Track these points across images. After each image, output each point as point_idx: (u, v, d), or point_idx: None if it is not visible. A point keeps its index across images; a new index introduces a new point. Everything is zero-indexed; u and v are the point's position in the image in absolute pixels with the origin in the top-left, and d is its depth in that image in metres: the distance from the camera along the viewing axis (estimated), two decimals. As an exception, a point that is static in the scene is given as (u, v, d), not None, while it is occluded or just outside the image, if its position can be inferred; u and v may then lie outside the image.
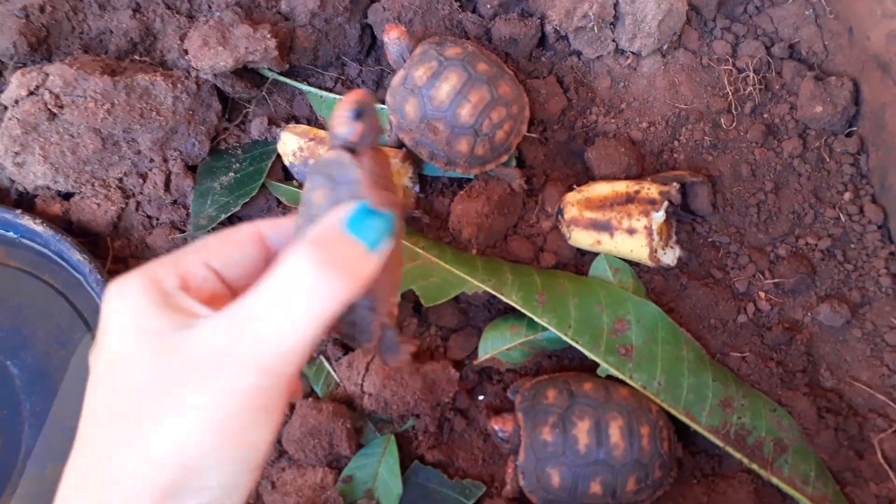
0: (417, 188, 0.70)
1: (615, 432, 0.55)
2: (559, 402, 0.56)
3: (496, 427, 0.58)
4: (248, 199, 0.67)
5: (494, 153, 0.66)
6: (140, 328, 0.33)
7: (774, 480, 0.55)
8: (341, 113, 0.37)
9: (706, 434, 0.57)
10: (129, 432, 0.31)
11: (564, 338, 0.60)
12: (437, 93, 0.64)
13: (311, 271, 0.32)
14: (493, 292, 0.61)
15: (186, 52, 0.68)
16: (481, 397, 0.63)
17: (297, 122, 0.73)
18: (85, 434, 0.33)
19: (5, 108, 0.72)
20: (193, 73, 0.69)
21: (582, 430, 0.55)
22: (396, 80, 0.66)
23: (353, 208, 0.35)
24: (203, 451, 0.30)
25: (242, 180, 0.68)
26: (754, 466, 0.55)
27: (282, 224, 0.38)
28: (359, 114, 0.37)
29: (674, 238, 0.65)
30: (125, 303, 0.33)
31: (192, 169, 0.71)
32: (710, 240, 0.67)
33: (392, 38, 0.65)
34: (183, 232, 0.68)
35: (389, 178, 0.41)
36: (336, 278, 0.32)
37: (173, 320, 0.32)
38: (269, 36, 0.66)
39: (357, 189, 0.35)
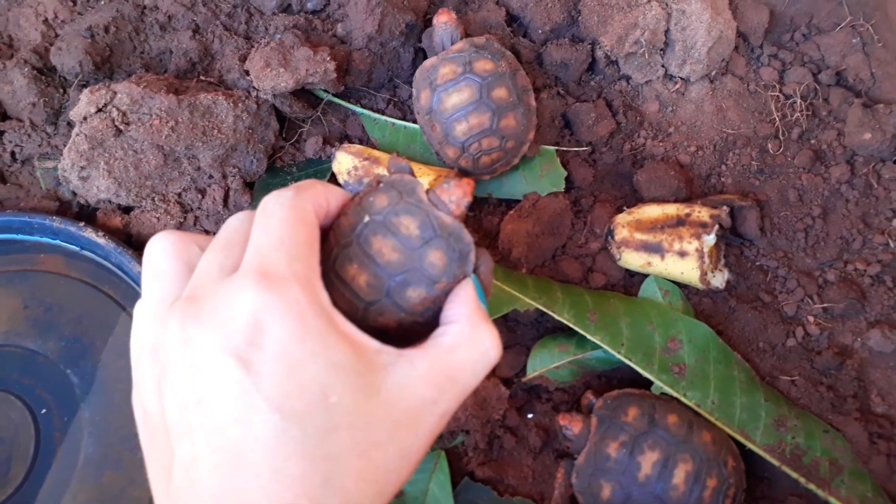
0: (468, 208, 0.71)
1: (680, 474, 0.55)
2: (637, 425, 0.57)
3: (563, 423, 0.58)
4: (304, 216, 0.68)
5: (476, 170, 0.69)
6: (333, 363, 0.35)
7: (833, 501, 0.55)
8: (458, 195, 0.42)
9: (762, 453, 0.57)
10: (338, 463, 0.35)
11: (618, 355, 0.60)
12: (447, 99, 0.67)
13: (495, 346, 0.39)
14: (546, 310, 0.62)
15: (248, 72, 0.70)
16: (530, 415, 0.64)
17: (351, 141, 0.75)
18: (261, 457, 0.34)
19: (68, 125, 0.74)
20: (254, 93, 0.71)
21: (648, 461, 0.55)
22: (427, 64, 0.69)
23: (475, 285, 0.42)
24: (405, 479, 0.37)
25: (298, 197, 0.70)
26: (812, 486, 0.56)
27: (332, 209, 0.42)
28: (469, 204, 0.43)
29: (722, 261, 0.66)
30: (308, 328, 0.35)
31: (249, 185, 0.72)
32: (757, 263, 0.68)
33: (440, 21, 0.68)
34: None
35: None
36: (499, 353, 0.40)
37: (355, 354, 0.36)
38: (328, 59, 0.69)
39: (470, 261, 0.42)
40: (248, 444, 0.34)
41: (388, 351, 0.37)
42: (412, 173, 0.44)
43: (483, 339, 0.39)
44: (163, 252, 0.40)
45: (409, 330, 0.41)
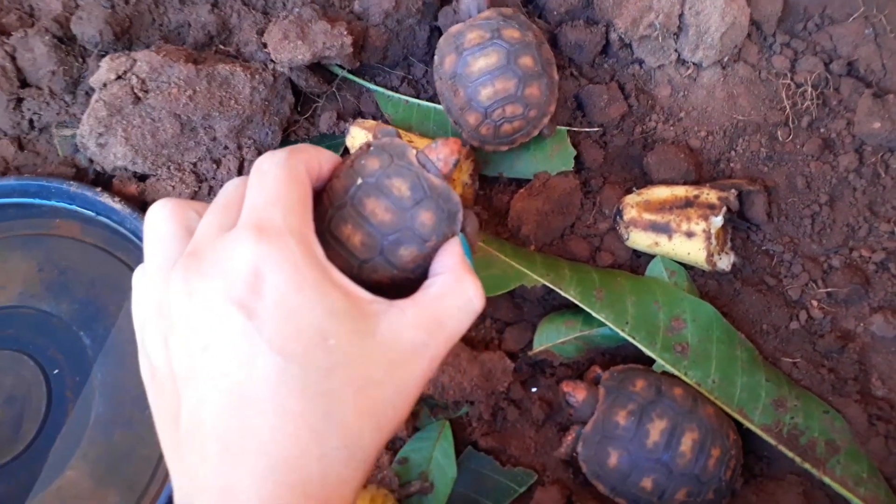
0: (477, 185, 0.72)
1: (687, 442, 0.56)
2: (645, 394, 0.58)
3: (567, 391, 0.60)
4: (316, 187, 0.69)
5: (496, 140, 0.69)
6: (329, 309, 0.37)
7: (827, 480, 0.56)
8: (446, 153, 0.46)
9: (759, 432, 0.58)
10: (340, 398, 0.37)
11: (622, 333, 0.61)
12: (474, 63, 0.66)
13: (478, 295, 0.42)
14: (552, 286, 0.63)
15: (265, 45, 0.71)
16: (534, 389, 0.65)
17: (364, 118, 0.76)
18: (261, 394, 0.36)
19: (86, 94, 0.76)
20: (270, 66, 0.72)
21: (657, 428, 0.56)
22: (453, 30, 0.69)
23: (462, 244, 0.45)
24: (405, 419, 0.39)
25: (311, 170, 0.71)
26: (807, 466, 0.56)
27: (324, 171, 0.44)
28: (457, 162, 0.46)
29: (729, 244, 0.67)
30: (304, 277, 0.37)
31: (263, 157, 0.73)
32: (763, 248, 0.69)
33: None
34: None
35: None
36: (483, 302, 0.43)
37: (350, 302, 0.38)
38: (345, 33, 0.69)
39: (458, 221, 0.45)
40: (252, 385, 0.36)
41: (380, 301, 0.40)
42: (399, 137, 0.47)
43: (467, 289, 0.42)
44: (163, 218, 0.42)
45: (401, 286, 0.43)
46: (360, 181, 0.44)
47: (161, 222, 0.42)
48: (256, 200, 0.40)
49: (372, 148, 0.46)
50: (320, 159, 0.44)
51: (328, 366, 0.37)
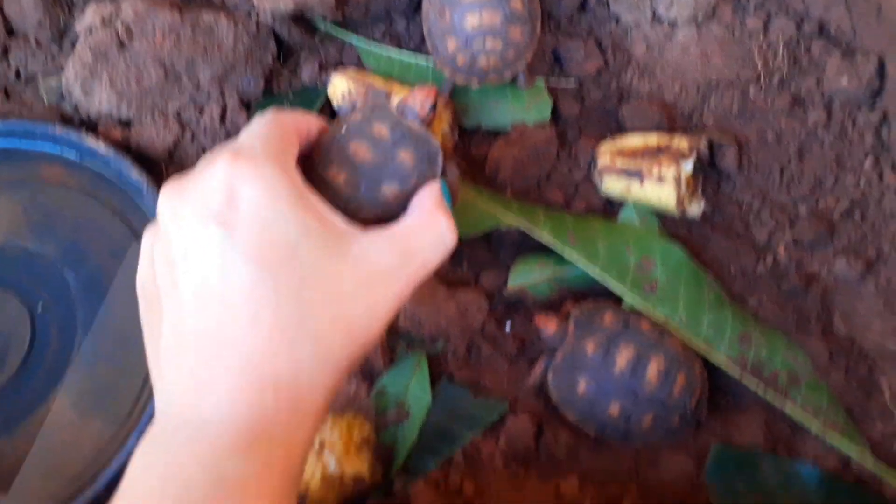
0: (456, 135, 0.73)
1: (653, 370, 0.58)
2: (612, 327, 0.60)
3: (540, 323, 0.61)
4: (298, 134, 0.70)
5: (469, 71, 0.70)
6: (302, 226, 0.40)
7: (788, 408, 0.58)
8: (423, 99, 0.51)
9: (724, 364, 0.60)
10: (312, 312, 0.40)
11: (593, 272, 0.63)
12: None
13: (450, 231, 0.45)
14: (526, 229, 0.65)
15: (249, -7, 0.72)
16: (508, 327, 0.66)
17: (345, 67, 0.77)
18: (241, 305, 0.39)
19: (72, 44, 0.77)
20: (254, 16, 0.74)
21: (623, 357, 0.58)
22: None
23: (442, 186, 0.48)
24: (378, 338, 0.42)
25: (293, 117, 0.72)
26: (769, 395, 0.58)
27: (312, 132, 0.49)
28: (433, 105, 0.51)
29: (699, 193, 0.69)
30: (278, 193, 0.40)
31: (246, 106, 0.75)
32: (734, 197, 0.71)
33: None
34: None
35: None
36: (454, 239, 0.45)
37: (322, 222, 0.41)
38: (328, -18, 0.71)
39: (438, 164, 0.49)
40: (228, 292, 0.39)
41: (354, 228, 0.43)
42: (388, 98, 0.52)
43: (439, 223, 0.45)
44: None
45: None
46: (344, 129, 0.48)
47: None
48: (240, 139, 0.44)
49: (357, 108, 0.51)
50: (309, 120, 0.48)
51: (300, 277, 0.39)
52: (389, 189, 0.48)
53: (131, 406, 0.63)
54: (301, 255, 0.40)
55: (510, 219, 0.65)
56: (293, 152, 0.45)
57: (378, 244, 0.42)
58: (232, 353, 0.38)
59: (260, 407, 0.38)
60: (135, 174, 0.69)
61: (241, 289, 0.39)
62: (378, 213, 0.47)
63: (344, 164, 0.47)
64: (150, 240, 0.44)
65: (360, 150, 0.48)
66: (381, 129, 0.49)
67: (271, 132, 0.44)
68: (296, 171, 0.43)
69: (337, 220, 0.42)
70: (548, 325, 0.61)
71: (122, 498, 0.37)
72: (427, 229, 0.45)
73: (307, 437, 0.39)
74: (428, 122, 0.51)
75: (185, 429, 0.37)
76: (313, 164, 0.49)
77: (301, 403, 0.39)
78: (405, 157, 0.49)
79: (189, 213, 0.40)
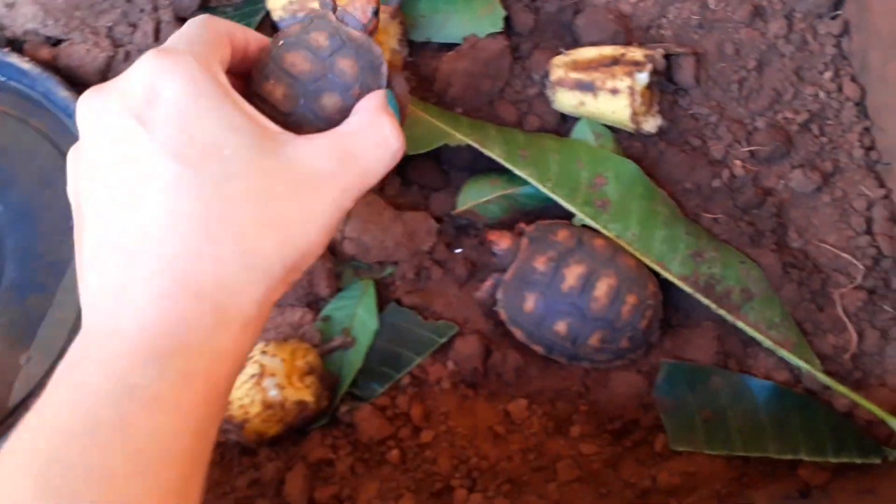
0: (406, 51, 0.70)
1: (602, 288, 0.56)
2: (566, 243, 0.58)
3: (492, 239, 0.60)
4: (235, 49, 0.67)
5: None
6: (228, 122, 0.38)
7: (740, 324, 0.57)
8: (363, 5, 0.47)
9: (676, 281, 0.58)
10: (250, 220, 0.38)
11: (543, 189, 0.61)
12: None
13: (394, 134, 0.43)
14: (476, 145, 0.62)
15: None
16: (458, 250, 0.65)
17: (288, -19, 0.73)
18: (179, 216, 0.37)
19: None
20: (186, -78, 0.69)
21: (573, 273, 0.57)
22: None
23: (387, 96, 0.45)
24: (318, 247, 0.40)
25: (231, 33, 0.69)
26: (722, 312, 0.57)
27: (250, 47, 0.46)
28: (375, 11, 0.47)
29: (656, 107, 0.66)
30: (201, 90, 0.38)
31: (182, 21, 0.71)
32: (690, 112, 0.68)
33: None
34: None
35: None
36: (400, 144, 0.43)
37: (250, 121, 0.39)
38: None
39: (382, 74, 0.47)
40: (146, 188, 0.37)
41: (287, 132, 0.41)
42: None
43: (383, 126, 0.43)
44: None
45: None
46: (281, 42, 0.46)
47: None
48: (169, 39, 0.42)
49: (297, 23, 0.48)
50: (246, 32, 0.46)
51: (224, 174, 0.37)
52: (330, 100, 0.46)
53: (64, 339, 0.61)
54: (226, 151, 0.38)
55: (460, 135, 0.63)
56: (222, 57, 0.42)
57: (314, 147, 0.40)
58: (151, 255, 0.36)
59: (179, 313, 0.36)
60: (62, 93, 0.65)
61: (161, 187, 0.37)
62: (321, 128, 0.43)
63: (281, 77, 0.45)
64: (75, 150, 0.41)
65: (297, 61, 0.45)
66: (319, 38, 0.46)
67: (200, 34, 0.42)
68: (222, 73, 0.41)
69: (267, 123, 0.40)
70: (500, 241, 0.59)
71: (35, 414, 0.35)
72: (369, 132, 0.43)
73: (236, 348, 0.37)
74: (370, 31, 0.48)
75: (101, 341, 0.36)
76: (251, 82, 0.46)
77: (228, 310, 0.37)
78: (345, 65, 0.46)
79: (108, 112, 0.38)
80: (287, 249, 0.38)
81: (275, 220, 0.38)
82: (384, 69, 0.47)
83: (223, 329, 0.36)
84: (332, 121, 0.45)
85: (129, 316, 0.35)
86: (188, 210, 0.36)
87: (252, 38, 0.46)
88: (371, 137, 0.42)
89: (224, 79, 0.40)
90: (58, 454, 0.32)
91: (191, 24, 0.43)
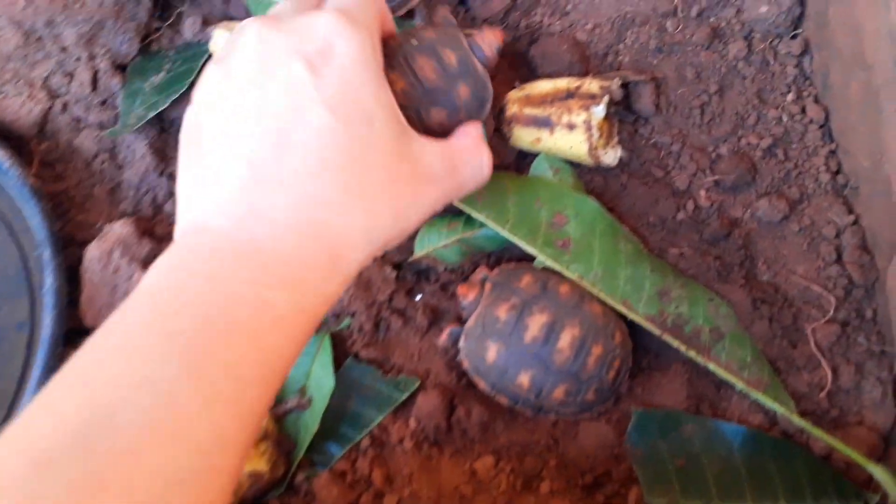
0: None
1: (566, 338, 0.54)
2: (529, 290, 0.56)
3: (461, 293, 0.58)
4: (177, 97, 0.64)
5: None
6: (380, 99, 0.42)
7: (711, 366, 0.55)
8: (491, 40, 0.54)
9: (643, 323, 0.56)
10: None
11: (502, 232, 0.58)
12: None
13: (488, 164, 0.50)
14: None
15: (110, -59, 0.65)
16: (419, 297, 0.62)
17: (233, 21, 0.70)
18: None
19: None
20: (120, -34, 0.66)
21: (536, 323, 0.54)
22: None
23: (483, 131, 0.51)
24: (407, 234, 0.45)
25: (173, 79, 0.66)
26: (692, 353, 0.55)
27: (385, 25, 0.50)
28: (500, 49, 0.55)
29: (615, 138, 0.64)
30: (369, 63, 0.42)
31: (121, 69, 0.68)
32: (652, 141, 0.66)
33: None
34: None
35: None
36: (488, 176, 0.50)
37: (393, 108, 0.43)
38: (196, -76, 0.64)
39: (485, 110, 0.54)
40: (299, 131, 0.39)
41: (411, 128, 0.44)
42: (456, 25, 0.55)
43: (483, 153, 0.49)
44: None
45: None
46: (415, 42, 0.50)
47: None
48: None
49: (430, 27, 0.53)
50: (388, 16, 0.50)
51: (370, 141, 0.40)
52: (439, 114, 0.50)
53: (5, 413, 0.57)
54: (375, 124, 0.40)
55: (413, 179, 0.60)
56: (380, 31, 0.46)
57: (433, 149, 0.45)
58: (291, 186, 0.38)
59: (306, 249, 0.38)
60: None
61: (314, 132, 0.39)
62: (417, 131, 0.46)
63: (406, 74, 0.49)
64: (221, 66, 0.42)
65: (427, 68, 0.49)
66: (451, 57, 0.51)
67: (369, 6, 0.45)
68: (381, 49, 0.44)
69: (400, 115, 0.43)
70: (469, 294, 0.57)
71: (144, 295, 0.36)
72: (473, 155, 0.48)
73: (331, 299, 0.40)
74: (491, 65, 0.54)
75: (230, 245, 0.37)
76: None
77: (339, 262, 0.40)
78: (463, 91, 0.51)
79: (281, 45, 0.40)
80: (394, 231, 0.42)
81: (395, 197, 0.41)
82: (487, 106, 0.53)
83: (332, 278, 0.40)
84: (430, 129, 0.49)
85: (267, 236, 0.38)
86: (334, 161, 0.39)
87: (388, 22, 0.50)
88: (473, 159, 0.48)
89: (382, 57, 0.44)
90: (195, 335, 0.34)
91: None
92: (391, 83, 0.45)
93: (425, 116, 0.49)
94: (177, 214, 0.41)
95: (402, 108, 0.45)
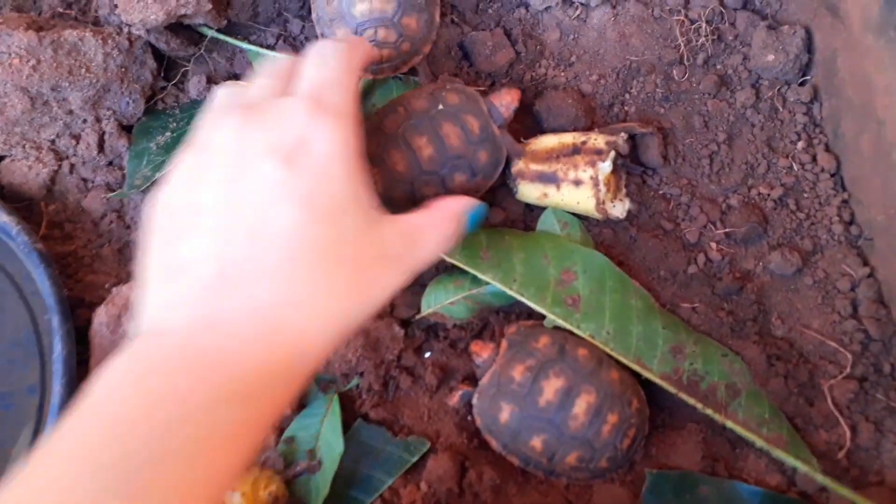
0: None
1: (581, 405, 0.53)
2: (546, 351, 0.55)
3: (475, 350, 0.57)
4: (183, 157, 0.64)
5: (397, 59, 0.64)
6: (354, 194, 0.42)
7: (729, 424, 0.54)
8: (508, 101, 0.58)
9: (658, 381, 0.55)
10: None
11: (509, 292, 0.58)
12: None
13: (451, 240, 0.48)
14: None
15: (116, 6, 0.65)
16: (428, 354, 0.61)
17: (238, 80, 0.71)
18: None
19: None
20: (126, 29, 0.67)
21: (551, 387, 0.54)
22: None
23: (479, 209, 0.51)
24: (375, 313, 0.44)
25: (178, 139, 0.66)
26: (709, 411, 0.54)
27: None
28: (516, 109, 0.58)
29: (623, 191, 0.64)
30: (347, 157, 0.43)
31: (127, 129, 0.68)
32: (660, 192, 0.66)
33: None
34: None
35: None
36: (451, 245, 0.49)
37: (367, 194, 0.44)
38: (201, -12, 0.64)
39: (498, 171, 0.59)
40: (271, 226, 0.39)
41: (379, 207, 0.45)
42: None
43: (450, 227, 0.48)
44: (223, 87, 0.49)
45: None
46: (441, 107, 0.54)
47: (220, 92, 0.48)
48: (316, 77, 0.45)
49: (449, 86, 0.57)
50: (368, 51, 0.52)
51: (339, 236, 0.41)
52: (461, 178, 0.55)
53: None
54: (346, 218, 0.41)
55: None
56: (360, 108, 0.47)
57: (396, 229, 0.45)
58: (260, 286, 0.39)
59: (268, 359, 0.38)
60: (3, 217, 0.62)
61: (287, 229, 0.39)
62: (437, 193, 0.51)
63: (434, 142, 0.53)
64: (194, 154, 0.43)
65: (452, 135, 0.54)
66: (474, 124, 0.55)
67: (349, 80, 0.46)
68: (363, 137, 0.44)
69: (372, 198, 0.44)
70: (483, 352, 0.56)
71: (91, 408, 0.35)
72: (437, 230, 0.48)
73: (291, 397, 0.40)
74: (506, 124, 0.58)
75: (187, 358, 0.37)
76: (400, 122, 0.54)
77: (301, 362, 0.39)
78: (483, 156, 0.56)
79: (258, 141, 0.41)
80: (363, 312, 0.42)
81: (362, 284, 0.42)
82: (500, 168, 0.58)
83: (293, 376, 0.39)
84: (448, 190, 0.55)
85: (228, 337, 0.37)
86: (303, 258, 0.39)
87: (368, 53, 0.53)
88: (437, 234, 0.47)
89: (362, 141, 0.44)
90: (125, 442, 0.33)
91: (334, 60, 0.46)
92: (419, 147, 0.52)
93: (449, 182, 0.54)
94: (141, 297, 0.40)
95: (428, 173, 0.51)
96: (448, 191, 0.52)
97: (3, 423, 0.59)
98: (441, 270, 0.63)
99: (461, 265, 0.58)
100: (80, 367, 0.59)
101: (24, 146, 0.66)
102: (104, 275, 0.65)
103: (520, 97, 0.56)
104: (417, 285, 0.63)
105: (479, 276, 0.58)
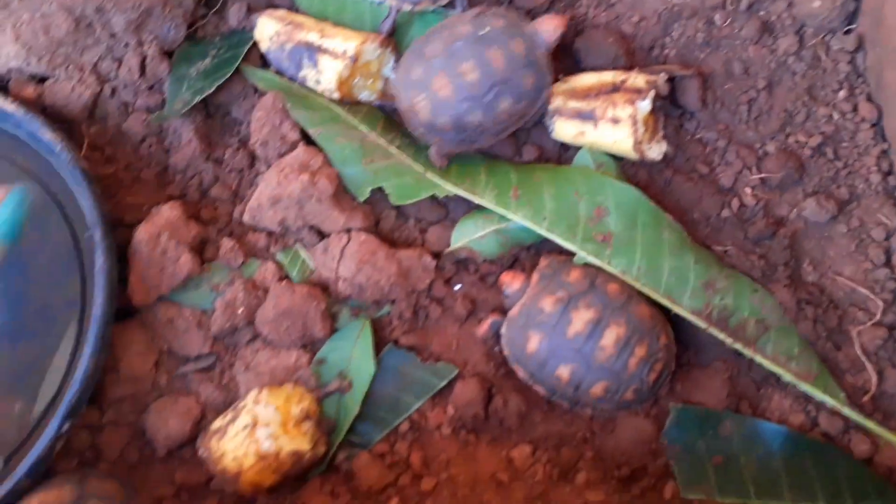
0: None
1: (610, 336, 0.54)
2: (577, 285, 0.56)
3: (505, 280, 0.58)
4: (221, 82, 0.65)
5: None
6: None
7: (758, 359, 0.54)
8: (555, 27, 0.60)
9: (688, 316, 0.56)
10: None
11: (539, 230, 0.58)
12: None
13: None
14: (465, 194, 0.60)
15: (162, -72, 0.65)
16: (458, 287, 0.62)
17: (276, 9, 0.71)
18: None
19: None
20: (170, -47, 0.67)
21: (581, 318, 0.54)
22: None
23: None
24: None
25: (218, 65, 0.67)
26: (738, 346, 0.55)
27: None
28: (562, 34, 0.61)
29: (661, 133, 0.64)
30: None
31: (168, 55, 0.69)
32: (697, 136, 0.66)
33: None
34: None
35: None
36: None
37: None
38: (247, -88, 0.64)
39: (542, 95, 0.60)
40: None
41: None
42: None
43: None
44: None
45: None
46: (486, 30, 0.56)
47: None
48: None
49: (493, 10, 0.58)
50: None
51: None
52: (506, 104, 0.56)
53: (57, 387, 0.59)
54: None
55: (449, 185, 0.61)
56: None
57: None
58: None
59: None
60: (48, 134, 0.63)
61: None
62: (481, 121, 0.54)
63: (479, 64, 0.56)
64: None
65: (497, 59, 0.55)
66: (519, 47, 0.56)
67: None
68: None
69: None
70: (513, 282, 0.57)
71: None
72: None
73: None
74: (551, 50, 0.59)
75: None
76: (428, 48, 0.57)
77: None
78: (528, 81, 0.57)
79: None
80: None
81: None
82: (545, 94, 0.59)
83: None
84: (496, 116, 0.58)
85: None
86: None
87: None
88: None
89: None
90: None
91: None
92: (463, 73, 0.54)
93: (494, 108, 0.55)
94: None
95: (470, 98, 0.53)
96: (493, 117, 0.54)
97: (46, 334, 0.60)
98: (473, 207, 0.63)
99: (492, 206, 0.58)
100: (120, 283, 0.61)
101: (67, 67, 0.67)
102: (143, 196, 0.66)
103: (566, 24, 0.57)
104: (448, 220, 0.64)
105: (508, 215, 0.58)
